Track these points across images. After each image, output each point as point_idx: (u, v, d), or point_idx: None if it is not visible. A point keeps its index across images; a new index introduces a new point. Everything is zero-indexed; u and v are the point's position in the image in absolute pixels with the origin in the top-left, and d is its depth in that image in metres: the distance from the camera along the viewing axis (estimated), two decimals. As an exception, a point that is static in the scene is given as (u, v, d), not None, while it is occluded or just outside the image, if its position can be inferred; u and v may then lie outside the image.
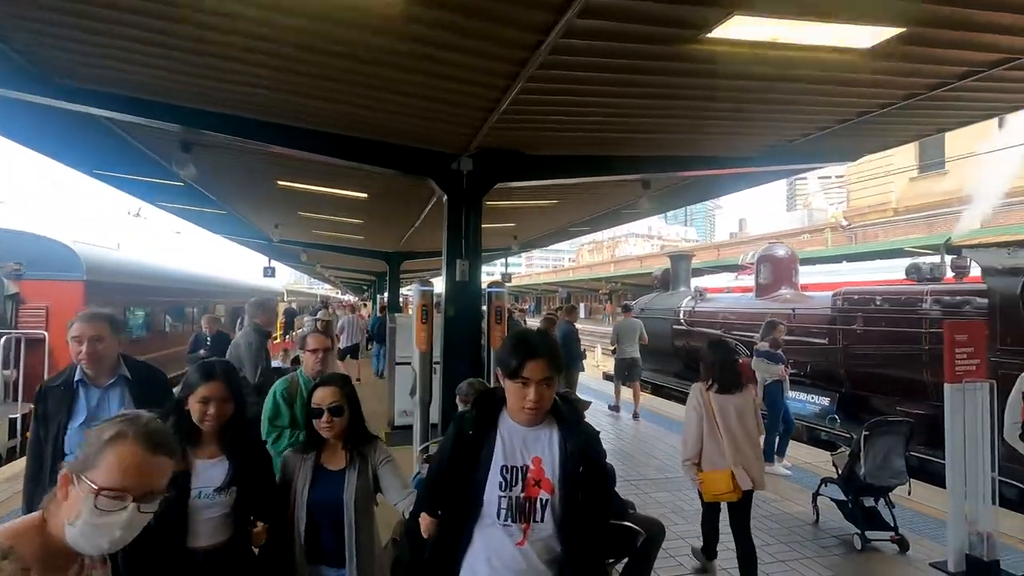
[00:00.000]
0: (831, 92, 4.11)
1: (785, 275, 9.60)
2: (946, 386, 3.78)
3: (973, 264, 6.67)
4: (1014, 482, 4.33)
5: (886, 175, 21.20)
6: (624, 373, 8.96)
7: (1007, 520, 4.36)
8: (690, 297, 11.44)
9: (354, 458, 2.13)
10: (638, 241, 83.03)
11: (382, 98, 4.11)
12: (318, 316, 8.56)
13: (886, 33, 3.19)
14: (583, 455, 1.59)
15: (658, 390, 11.33)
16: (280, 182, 7.40)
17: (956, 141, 19.18)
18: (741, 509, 3.48)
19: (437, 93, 3.96)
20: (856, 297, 7.52)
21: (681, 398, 10.61)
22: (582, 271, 53.07)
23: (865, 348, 7.24)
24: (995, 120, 17.55)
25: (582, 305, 56.22)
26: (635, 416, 8.62)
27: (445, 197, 5.23)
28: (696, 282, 15.74)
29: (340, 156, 4.94)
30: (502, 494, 1.56)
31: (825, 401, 7.76)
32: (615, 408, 9.16)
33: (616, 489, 3.27)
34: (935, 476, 5.48)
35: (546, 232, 12.73)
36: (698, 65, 3.55)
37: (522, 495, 1.56)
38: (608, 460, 2.18)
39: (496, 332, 5.29)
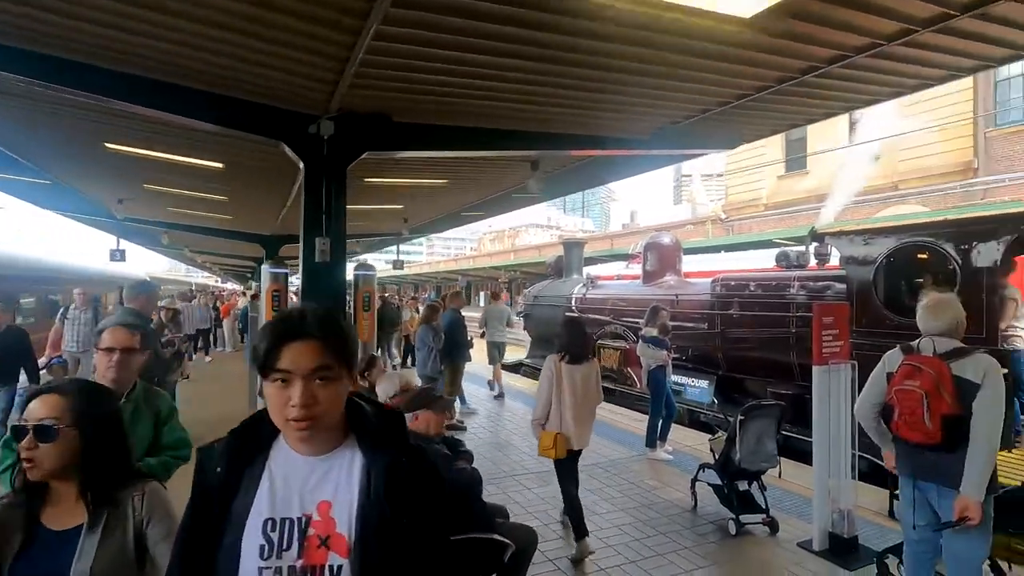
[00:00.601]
0: (711, 69, 3.99)
1: (669, 262, 9.84)
2: (815, 368, 3.81)
3: (834, 252, 7.13)
4: (871, 457, 4.55)
5: (759, 169, 23.00)
6: (494, 355, 9.50)
7: (866, 495, 4.57)
8: (582, 284, 11.46)
9: (99, 512, 1.43)
10: (538, 231, 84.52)
11: (211, 35, 3.36)
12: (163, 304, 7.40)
13: (768, 1, 3.05)
14: (399, 492, 1.06)
15: (550, 378, 11.25)
16: (109, 144, 6.20)
17: (817, 144, 21.21)
18: (567, 465, 3.98)
19: (279, 35, 3.30)
20: (732, 283, 7.80)
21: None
22: (483, 260, 52.99)
23: (740, 332, 7.53)
24: (849, 126, 19.53)
25: (482, 294, 56.28)
26: (499, 395, 9.12)
27: (302, 164, 4.52)
28: (590, 270, 16.01)
29: (165, 108, 4.06)
30: (265, 565, 1.02)
31: (704, 384, 8.00)
32: (499, 395, 9.15)
33: (492, 487, 2.88)
34: (802, 454, 5.72)
35: (438, 215, 12.16)
36: (575, 31, 3.24)
37: (299, 564, 1.02)
38: (485, 453, 1.73)
39: (364, 322, 4.71)
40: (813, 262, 7.37)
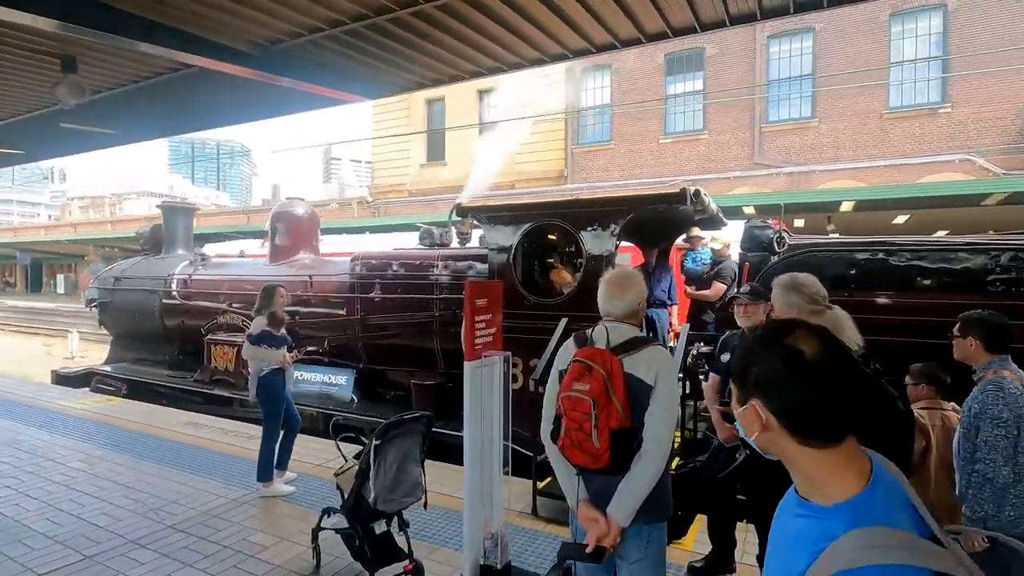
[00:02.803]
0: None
1: (305, 238, 8.26)
2: (467, 365, 2.97)
3: (475, 233, 6.89)
4: (522, 450, 4.17)
5: (403, 156, 23.42)
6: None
7: (514, 491, 4.11)
8: (188, 262, 8.75)
9: None
10: (155, 201, 69.05)
11: None
12: None
13: None
14: None
15: (138, 389, 8.24)
16: None
17: (453, 139, 22.75)
18: None
19: None
20: (374, 262, 6.80)
21: (177, 396, 7.94)
22: (65, 231, 39.41)
23: (382, 318, 6.60)
24: (478, 131, 21.55)
25: (61, 277, 42.42)
26: None
27: None
28: (217, 248, 12.91)
29: None
30: None
31: (343, 379, 6.81)
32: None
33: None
34: (446, 450, 5.09)
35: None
36: None
37: None
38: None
39: None
40: (456, 242, 7.01)
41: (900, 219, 13.96)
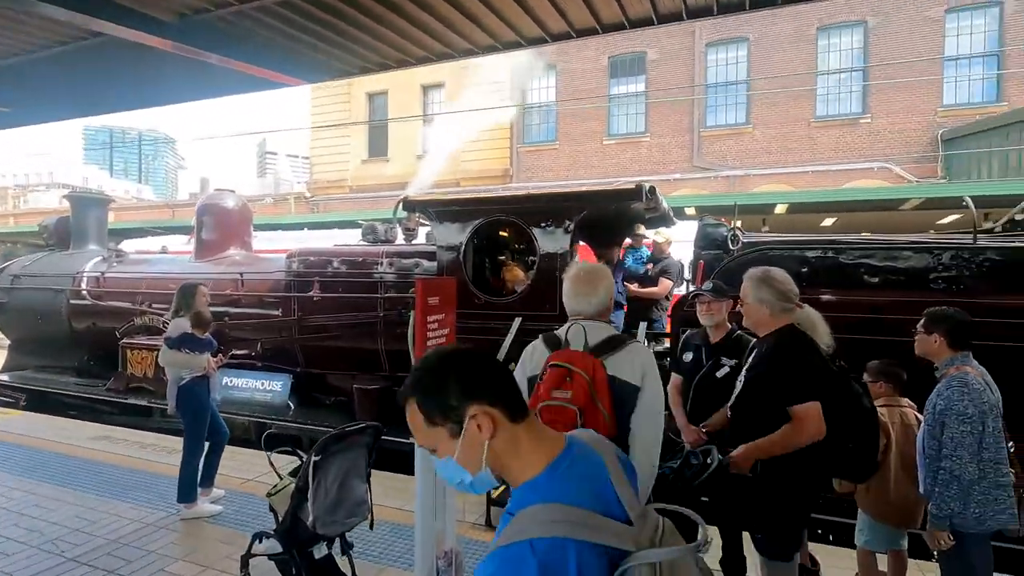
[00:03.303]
0: None
1: (236, 232, 7.66)
2: (417, 369, 2.71)
3: (422, 230, 6.59)
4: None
5: (343, 151, 22.62)
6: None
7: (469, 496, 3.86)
8: (100, 259, 7.92)
9: None
10: (62, 192, 63.74)
11: None
12: None
13: None
14: None
15: (41, 400, 7.38)
16: None
17: (396, 133, 22.17)
18: None
19: None
20: (313, 259, 6.36)
21: (87, 407, 7.15)
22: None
23: (322, 318, 6.17)
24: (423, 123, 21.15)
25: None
26: None
27: None
28: (138, 245, 11.90)
29: None
30: None
31: (278, 385, 6.33)
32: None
33: None
34: (391, 457, 4.78)
35: None
36: None
37: None
38: None
39: None
40: (401, 238, 6.67)
41: (828, 221, 14.71)
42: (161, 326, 6.98)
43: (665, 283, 5.93)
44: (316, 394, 6.39)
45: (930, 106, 16.21)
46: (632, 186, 4.41)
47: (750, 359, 2.36)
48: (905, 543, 2.89)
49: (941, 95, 16.26)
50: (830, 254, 4.01)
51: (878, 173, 16.43)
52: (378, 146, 22.90)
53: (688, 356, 3.17)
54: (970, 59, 16.29)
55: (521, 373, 1.93)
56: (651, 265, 6.18)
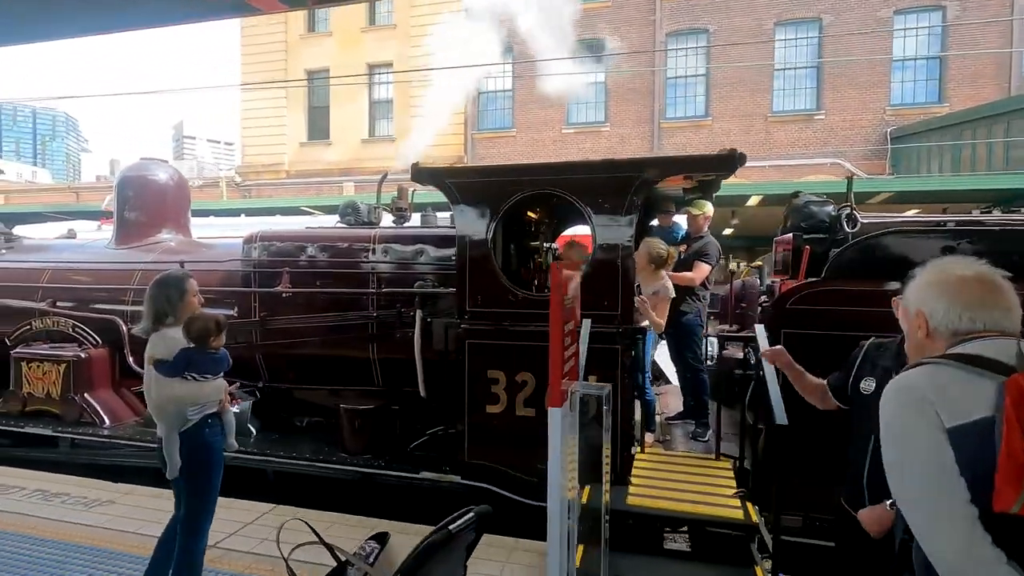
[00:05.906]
0: None
1: (171, 212, 6.15)
2: (551, 411, 1.67)
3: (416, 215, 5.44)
4: (513, 495, 2.91)
5: (279, 132, 20.73)
6: None
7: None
8: (-15, 245, 6.17)
9: None
10: (-61, 175, 55.68)
11: None
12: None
13: None
14: None
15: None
16: None
17: (338, 114, 20.47)
18: None
19: None
20: (280, 245, 5.05)
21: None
22: None
23: (293, 320, 4.89)
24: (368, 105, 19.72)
25: None
26: None
27: None
28: (35, 231, 9.82)
29: None
30: None
31: (235, 408, 4.98)
32: None
33: None
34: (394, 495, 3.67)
35: None
36: None
37: None
38: None
39: None
40: (387, 220, 5.49)
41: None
42: (71, 330, 5.42)
43: (702, 268, 4.99)
44: (286, 415, 5.12)
45: (880, 104, 16.66)
46: (725, 151, 3.50)
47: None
48: None
49: (889, 94, 16.77)
50: (971, 241, 3.31)
51: (831, 169, 16.69)
52: (319, 129, 21.05)
53: (870, 384, 2.16)
54: (915, 60, 16.85)
55: (915, 426, 0.96)
56: (684, 246, 5.24)
